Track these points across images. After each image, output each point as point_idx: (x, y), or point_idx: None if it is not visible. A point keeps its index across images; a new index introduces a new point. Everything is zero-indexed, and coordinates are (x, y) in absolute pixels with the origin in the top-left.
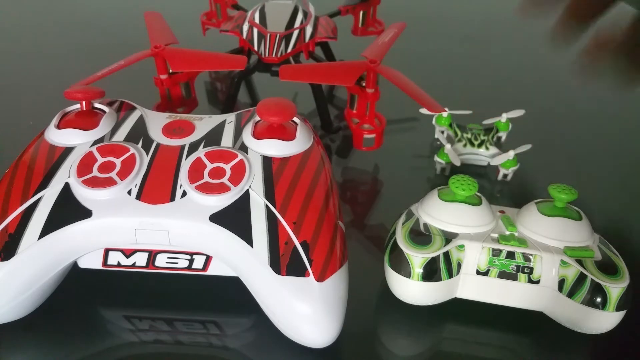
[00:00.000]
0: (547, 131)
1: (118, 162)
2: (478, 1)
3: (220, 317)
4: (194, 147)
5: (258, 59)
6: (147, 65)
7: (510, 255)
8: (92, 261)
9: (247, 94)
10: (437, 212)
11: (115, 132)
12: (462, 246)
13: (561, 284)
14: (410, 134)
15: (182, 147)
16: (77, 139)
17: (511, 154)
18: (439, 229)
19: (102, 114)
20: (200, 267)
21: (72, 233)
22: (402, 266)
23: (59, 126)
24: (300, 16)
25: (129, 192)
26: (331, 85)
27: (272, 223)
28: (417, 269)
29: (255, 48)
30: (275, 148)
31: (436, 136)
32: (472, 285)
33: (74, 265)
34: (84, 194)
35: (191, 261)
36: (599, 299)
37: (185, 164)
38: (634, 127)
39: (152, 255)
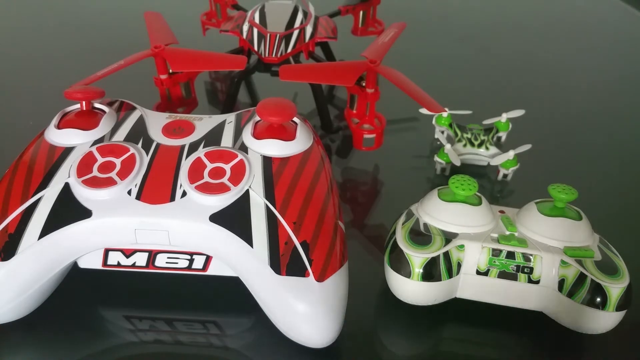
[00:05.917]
0: (547, 131)
1: (118, 162)
2: (478, 1)
3: (220, 317)
4: (194, 147)
5: (258, 59)
6: (147, 65)
7: (510, 255)
8: (92, 261)
9: (247, 94)
10: (437, 212)
11: (115, 132)
12: (462, 246)
13: (561, 284)
14: (410, 134)
15: (182, 147)
16: (77, 139)
17: (511, 154)
18: (439, 229)
19: (102, 114)
20: (200, 267)
21: (72, 233)
22: (402, 266)
23: (59, 126)
24: (300, 16)
25: (129, 192)
26: (331, 85)
27: (272, 223)
28: (417, 269)
29: (255, 48)
30: (275, 148)
31: (436, 136)
32: (472, 285)
33: (74, 265)
34: (84, 194)
35: (191, 261)
36: (599, 299)
37: (185, 164)
38: (635, 127)
39: (152, 255)
